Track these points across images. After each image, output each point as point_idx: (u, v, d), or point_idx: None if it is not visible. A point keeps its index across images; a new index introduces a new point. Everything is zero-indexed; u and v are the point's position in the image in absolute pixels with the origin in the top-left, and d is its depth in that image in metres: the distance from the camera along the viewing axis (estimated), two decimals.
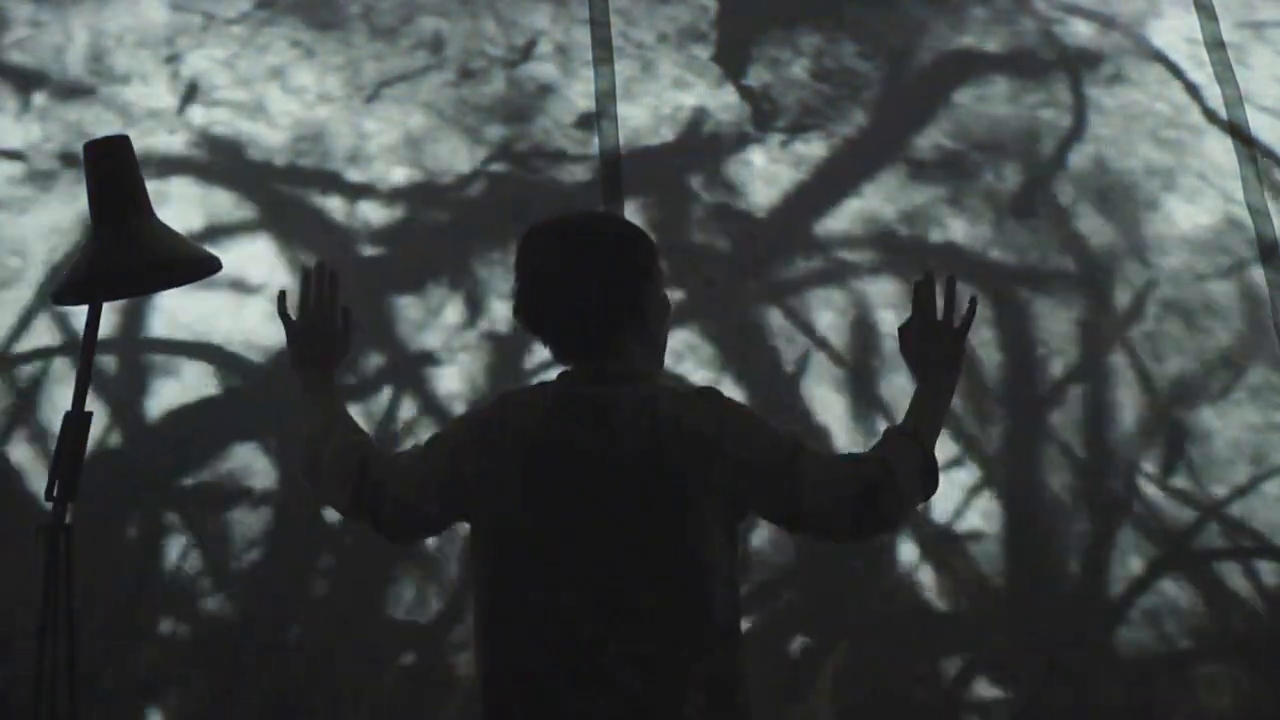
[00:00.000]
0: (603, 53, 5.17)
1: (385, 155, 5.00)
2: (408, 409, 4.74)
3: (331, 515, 4.34)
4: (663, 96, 5.14)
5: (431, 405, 4.74)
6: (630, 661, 2.53)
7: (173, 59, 5.10)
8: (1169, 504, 4.77)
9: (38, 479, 4.46)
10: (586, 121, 5.09)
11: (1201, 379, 4.92)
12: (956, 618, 4.65)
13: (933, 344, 2.79)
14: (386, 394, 4.75)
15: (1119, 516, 4.76)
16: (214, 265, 3.09)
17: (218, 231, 4.85)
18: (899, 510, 2.67)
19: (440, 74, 5.13)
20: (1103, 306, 4.98)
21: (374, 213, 4.94)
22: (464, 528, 2.70)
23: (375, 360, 4.78)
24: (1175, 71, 5.31)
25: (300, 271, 2.99)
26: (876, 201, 5.06)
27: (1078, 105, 5.25)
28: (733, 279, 4.94)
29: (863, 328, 4.90)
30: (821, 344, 4.87)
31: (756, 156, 5.09)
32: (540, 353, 2.77)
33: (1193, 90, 5.29)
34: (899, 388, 4.67)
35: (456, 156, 5.02)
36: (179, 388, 4.72)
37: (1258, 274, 5.04)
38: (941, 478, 2.74)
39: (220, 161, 4.96)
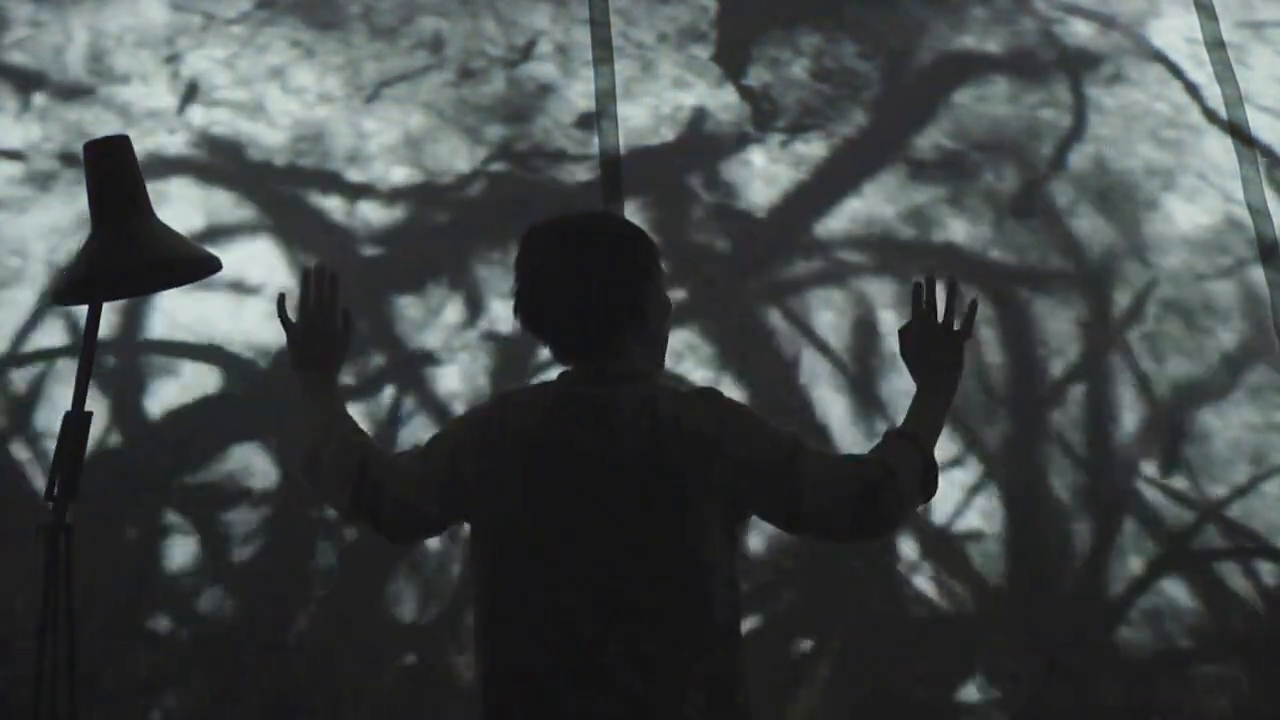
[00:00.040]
0: (603, 53, 5.17)
1: (385, 155, 5.00)
2: (408, 409, 4.74)
3: (332, 515, 4.34)
4: (663, 96, 5.14)
5: (431, 405, 4.74)
6: (630, 661, 2.53)
7: (173, 59, 5.10)
8: (1169, 504, 4.77)
9: (38, 479, 4.46)
10: (586, 121, 5.09)
11: (1202, 379, 4.92)
12: (956, 618, 4.65)
13: (933, 346, 2.79)
14: (387, 394, 4.75)
15: (1119, 516, 4.76)
16: (214, 265, 3.09)
17: (218, 232, 4.85)
18: (899, 511, 2.66)
19: (440, 74, 5.13)
20: (1103, 306, 4.98)
21: (374, 213, 4.94)
22: (464, 528, 2.70)
23: (375, 360, 4.78)
24: (1175, 71, 5.31)
25: (300, 272, 2.99)
26: (876, 202, 5.06)
27: (1078, 105, 5.25)
28: (733, 279, 4.94)
29: (863, 328, 4.90)
30: (822, 344, 4.87)
31: (756, 156, 5.09)
32: (541, 353, 2.77)
33: (1193, 90, 5.28)
34: (899, 388, 4.66)
35: (456, 156, 5.02)
36: (179, 388, 4.72)
37: (1258, 274, 5.04)
38: (941, 477, 2.74)
39: (220, 162, 4.96)
